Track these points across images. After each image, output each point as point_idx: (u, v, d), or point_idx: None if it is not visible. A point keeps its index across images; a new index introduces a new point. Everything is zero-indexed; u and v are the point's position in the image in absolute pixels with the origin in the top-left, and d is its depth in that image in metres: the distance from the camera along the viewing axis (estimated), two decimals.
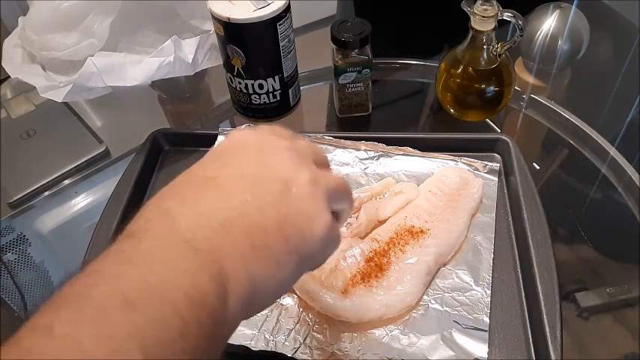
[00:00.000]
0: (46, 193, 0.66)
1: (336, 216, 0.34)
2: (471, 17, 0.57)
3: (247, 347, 0.43)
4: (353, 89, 0.65)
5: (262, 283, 0.27)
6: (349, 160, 0.59)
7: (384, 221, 0.52)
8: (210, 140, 0.61)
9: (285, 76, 0.64)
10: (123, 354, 0.21)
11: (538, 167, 0.64)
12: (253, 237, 0.27)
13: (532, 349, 0.44)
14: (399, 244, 0.49)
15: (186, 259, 0.25)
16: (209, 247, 0.26)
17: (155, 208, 0.28)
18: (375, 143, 0.59)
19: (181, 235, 0.26)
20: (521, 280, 0.48)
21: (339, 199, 0.33)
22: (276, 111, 0.67)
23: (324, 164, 0.35)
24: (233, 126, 0.64)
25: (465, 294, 0.47)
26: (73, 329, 0.21)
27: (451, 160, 0.58)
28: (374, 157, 0.59)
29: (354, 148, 0.59)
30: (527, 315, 0.46)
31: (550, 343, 0.42)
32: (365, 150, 0.59)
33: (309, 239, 0.29)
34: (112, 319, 0.22)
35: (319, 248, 0.30)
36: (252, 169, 0.30)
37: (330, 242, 0.31)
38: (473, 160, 0.57)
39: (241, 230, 0.27)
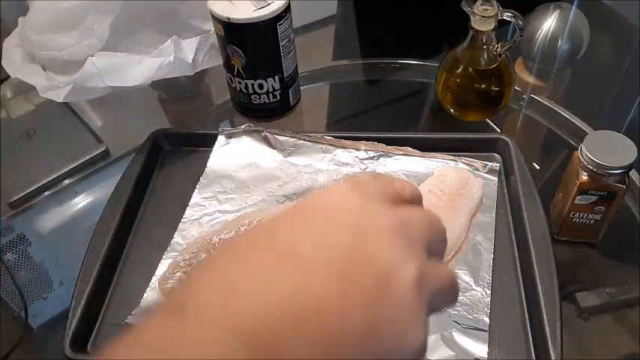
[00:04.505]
0: (46, 193, 0.66)
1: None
2: (471, 17, 0.57)
3: None
4: None
5: None
6: (349, 160, 0.59)
7: None
8: (210, 140, 0.61)
9: (285, 76, 0.64)
10: None
11: (538, 167, 0.64)
12: (328, 343, 0.21)
13: (532, 349, 0.44)
14: None
15: (238, 353, 0.20)
16: (271, 346, 0.21)
17: (219, 277, 0.23)
18: (375, 143, 0.59)
19: (242, 324, 0.21)
20: (521, 280, 0.48)
21: (442, 303, 0.27)
22: (276, 111, 0.67)
23: (438, 250, 0.28)
24: (233, 126, 0.64)
25: (465, 294, 0.47)
26: None
27: (451, 160, 0.58)
28: (374, 157, 0.59)
29: (354, 148, 0.59)
30: (527, 315, 0.46)
31: (550, 343, 0.42)
32: (365, 150, 0.59)
33: (394, 355, 0.23)
34: None
35: None
36: (345, 249, 0.23)
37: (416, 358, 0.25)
38: (473, 160, 0.57)
39: (315, 332, 0.21)
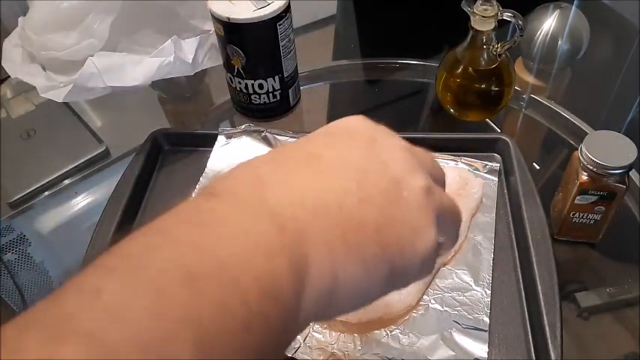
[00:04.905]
0: (46, 193, 0.66)
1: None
2: (471, 17, 0.57)
3: None
4: None
5: (344, 285, 0.24)
6: None
7: None
8: (210, 140, 0.61)
9: (285, 76, 0.64)
10: (171, 342, 0.18)
11: (538, 167, 0.64)
12: (347, 231, 0.24)
13: (532, 349, 0.44)
14: None
15: (268, 235, 0.22)
16: (296, 228, 0.23)
17: (248, 171, 0.25)
18: None
19: (269, 206, 0.23)
20: (521, 280, 0.48)
21: (448, 225, 0.29)
22: (276, 111, 0.67)
23: (440, 181, 0.30)
24: (233, 126, 0.64)
25: (465, 294, 0.47)
26: (122, 299, 0.18)
27: (451, 160, 0.58)
28: None
29: None
30: (527, 315, 0.46)
31: (550, 343, 0.42)
32: None
33: (406, 254, 0.25)
34: (168, 296, 0.19)
35: (414, 268, 0.26)
36: (361, 158, 0.26)
37: (426, 266, 0.27)
38: (473, 160, 0.57)
39: (336, 219, 0.24)
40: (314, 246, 0.23)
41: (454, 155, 0.58)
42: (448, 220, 0.29)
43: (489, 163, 0.57)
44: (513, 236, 0.52)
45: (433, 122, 0.73)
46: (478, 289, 0.47)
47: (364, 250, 0.24)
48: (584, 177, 0.49)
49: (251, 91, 0.64)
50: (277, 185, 0.24)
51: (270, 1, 0.58)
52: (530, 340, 0.44)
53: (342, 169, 0.25)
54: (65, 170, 0.67)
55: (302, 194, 0.24)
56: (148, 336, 0.17)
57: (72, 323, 0.17)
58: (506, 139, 0.58)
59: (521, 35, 0.57)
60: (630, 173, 0.49)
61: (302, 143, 0.28)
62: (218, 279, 0.20)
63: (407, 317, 0.45)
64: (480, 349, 0.43)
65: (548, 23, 0.70)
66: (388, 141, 0.28)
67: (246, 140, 0.61)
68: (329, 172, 0.25)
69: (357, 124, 0.28)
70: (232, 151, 0.60)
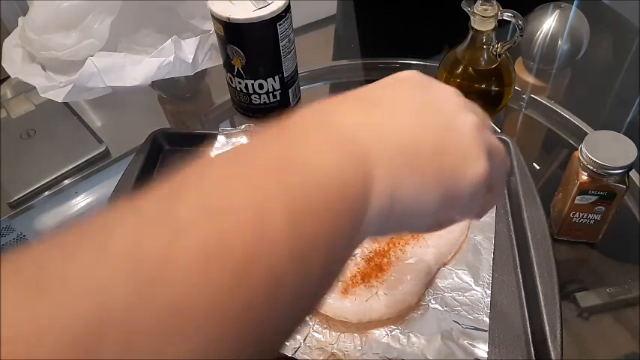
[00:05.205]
0: (46, 193, 0.66)
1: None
2: (471, 17, 0.57)
3: None
4: None
5: (402, 201, 0.25)
6: None
7: None
8: (210, 140, 0.61)
9: (285, 76, 0.64)
10: (269, 202, 0.21)
11: (538, 167, 0.64)
12: (407, 152, 0.26)
13: (532, 349, 0.44)
14: (399, 244, 0.49)
15: (337, 150, 0.24)
16: (361, 145, 0.25)
17: (311, 108, 0.27)
18: None
19: (336, 128, 0.25)
20: (521, 280, 0.48)
21: (496, 163, 0.30)
22: (276, 111, 0.67)
23: (488, 127, 0.32)
24: (233, 126, 0.64)
25: (465, 294, 0.47)
26: (223, 175, 0.22)
27: None
28: None
29: None
30: (527, 315, 0.46)
31: (550, 343, 0.42)
32: None
33: (459, 179, 0.27)
34: (264, 174, 0.22)
35: (465, 195, 0.27)
36: (418, 97, 0.28)
37: (475, 200, 0.29)
38: None
39: (397, 141, 0.26)
40: (378, 162, 0.25)
41: None
42: (497, 159, 0.30)
43: None
44: (513, 236, 0.52)
45: None
46: (478, 289, 0.47)
47: (422, 169, 0.26)
48: (584, 177, 0.49)
49: (251, 91, 0.64)
50: (340, 114, 0.26)
51: (270, 1, 0.58)
52: (530, 340, 0.44)
53: (401, 106, 0.28)
54: (65, 170, 0.67)
55: (364, 121, 0.26)
56: (247, 193, 0.21)
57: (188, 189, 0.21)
58: (506, 139, 0.58)
59: (521, 35, 0.57)
60: (630, 173, 0.49)
61: (359, 90, 0.29)
62: (301, 168, 0.22)
63: (407, 317, 0.45)
64: (480, 349, 0.43)
65: (548, 23, 0.70)
66: (442, 86, 0.30)
67: (246, 140, 0.61)
68: (389, 108, 0.27)
69: (411, 75, 0.31)
70: None
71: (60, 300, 0.16)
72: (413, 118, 0.27)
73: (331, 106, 0.27)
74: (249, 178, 0.22)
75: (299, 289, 0.21)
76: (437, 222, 0.29)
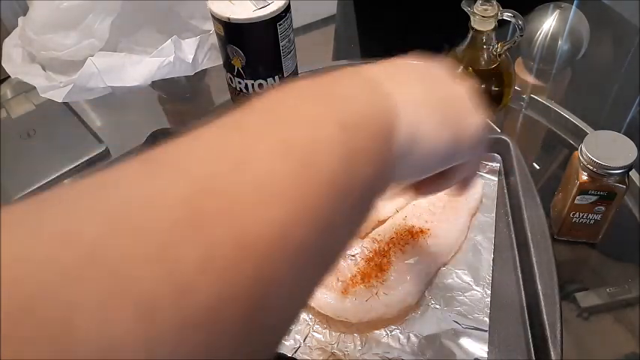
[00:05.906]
0: None
1: None
2: (471, 17, 0.57)
3: None
4: None
5: (420, 143, 0.29)
6: None
7: (384, 221, 0.52)
8: None
9: (285, 76, 0.64)
10: (322, 125, 0.23)
11: (538, 167, 0.64)
12: (422, 102, 0.30)
13: (532, 349, 0.44)
14: (398, 244, 0.49)
15: (365, 91, 0.27)
16: (387, 91, 0.28)
17: (333, 73, 0.29)
18: None
19: (363, 76, 0.29)
20: (521, 280, 0.48)
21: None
22: None
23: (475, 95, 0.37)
24: None
25: (465, 294, 0.47)
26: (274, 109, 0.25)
27: None
28: None
29: None
30: (527, 315, 0.46)
31: (550, 343, 0.42)
32: None
33: (463, 126, 0.31)
34: (310, 102, 0.25)
35: (468, 139, 0.32)
36: (420, 70, 0.33)
37: (478, 145, 0.33)
38: None
39: (414, 90, 0.30)
40: (401, 104, 0.28)
41: None
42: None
43: (489, 163, 0.57)
44: (513, 236, 0.52)
45: None
46: (478, 289, 0.47)
47: (437, 111, 0.30)
48: (584, 177, 0.49)
49: (251, 91, 0.64)
50: (365, 69, 0.30)
51: (270, 1, 0.58)
52: (530, 340, 0.44)
53: (406, 76, 0.31)
54: (65, 170, 0.67)
55: (386, 76, 0.29)
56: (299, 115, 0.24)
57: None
58: (506, 139, 0.58)
59: (521, 35, 0.57)
60: (630, 173, 0.49)
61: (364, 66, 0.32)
62: (343, 102, 0.26)
63: (407, 317, 0.45)
64: (480, 349, 0.43)
65: (548, 23, 0.70)
66: (437, 66, 0.34)
67: None
68: (400, 74, 0.31)
69: (409, 59, 0.34)
70: None
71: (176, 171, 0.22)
72: (419, 82, 0.31)
73: (354, 67, 0.30)
74: (300, 104, 0.25)
75: (347, 194, 0.23)
76: (443, 163, 0.33)
